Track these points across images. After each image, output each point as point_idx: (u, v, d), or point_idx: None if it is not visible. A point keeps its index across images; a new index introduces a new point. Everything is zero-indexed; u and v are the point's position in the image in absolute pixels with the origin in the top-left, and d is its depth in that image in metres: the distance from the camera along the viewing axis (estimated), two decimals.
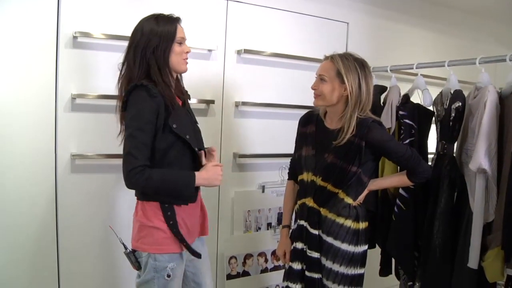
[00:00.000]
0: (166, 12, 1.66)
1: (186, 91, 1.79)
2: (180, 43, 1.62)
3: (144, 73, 1.57)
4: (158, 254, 1.57)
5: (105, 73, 2.10)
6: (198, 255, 1.66)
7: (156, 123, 1.53)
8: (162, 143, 1.55)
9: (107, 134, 2.09)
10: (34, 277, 1.99)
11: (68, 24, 1.99)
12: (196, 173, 1.59)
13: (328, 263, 1.79)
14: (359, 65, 1.76)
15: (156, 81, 1.55)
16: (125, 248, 1.64)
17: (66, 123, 2.03)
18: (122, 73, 1.63)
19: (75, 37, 2.00)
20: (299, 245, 1.85)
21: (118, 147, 2.04)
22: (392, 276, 2.45)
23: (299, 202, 1.88)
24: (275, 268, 2.62)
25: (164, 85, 1.57)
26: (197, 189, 1.68)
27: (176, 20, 1.63)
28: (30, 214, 1.97)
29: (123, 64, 1.63)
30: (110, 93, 2.08)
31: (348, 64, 1.74)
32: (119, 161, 2.11)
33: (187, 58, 1.67)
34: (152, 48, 1.56)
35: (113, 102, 2.06)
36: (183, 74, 1.76)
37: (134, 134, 1.50)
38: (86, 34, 2.01)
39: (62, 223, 2.05)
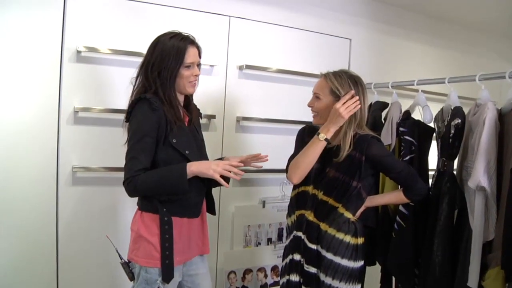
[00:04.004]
0: (170, 27, 1.68)
1: (198, 109, 1.82)
2: (189, 67, 1.63)
3: (154, 90, 1.60)
4: (149, 267, 1.58)
5: (108, 87, 2.14)
6: (168, 279, 1.58)
7: (157, 135, 1.56)
8: (162, 155, 1.59)
9: (109, 147, 2.13)
10: (34, 285, 2.01)
11: (72, 38, 2.04)
12: (189, 164, 1.58)
13: (327, 279, 1.77)
14: (353, 82, 1.78)
15: (161, 99, 1.59)
16: (121, 258, 1.66)
17: (68, 135, 2.06)
18: (135, 88, 1.66)
19: (79, 52, 2.05)
20: (297, 256, 1.84)
21: (119, 161, 2.07)
22: None
23: (297, 213, 1.87)
24: (275, 284, 2.60)
25: (168, 104, 1.60)
26: (201, 203, 1.71)
27: (189, 42, 1.63)
28: (31, 225, 1.99)
29: (136, 78, 1.66)
30: (112, 107, 2.13)
31: (341, 82, 1.76)
32: (120, 174, 2.14)
33: (195, 81, 1.68)
34: (159, 69, 1.59)
35: (115, 116, 2.12)
36: None
37: (132, 147, 1.56)
38: (90, 49, 2.05)
39: (63, 234, 2.07)
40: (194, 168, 1.57)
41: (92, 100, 2.10)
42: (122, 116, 2.04)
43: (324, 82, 1.80)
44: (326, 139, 1.74)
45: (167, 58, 1.58)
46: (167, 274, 1.57)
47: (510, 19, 3.18)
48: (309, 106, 1.85)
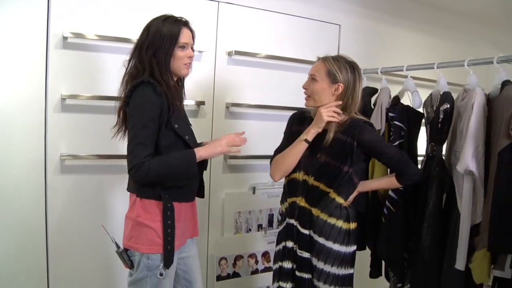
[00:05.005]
0: (158, 13, 1.67)
1: (184, 94, 1.81)
2: (183, 47, 1.63)
3: (149, 72, 1.58)
4: (152, 253, 1.58)
5: (96, 73, 2.11)
6: (169, 264, 1.61)
7: (159, 120, 1.55)
8: (165, 141, 1.58)
9: (97, 135, 2.10)
10: (23, 277, 1.99)
11: (58, 24, 1.99)
12: (197, 149, 1.61)
13: (319, 264, 1.79)
14: (350, 67, 1.81)
15: (159, 80, 1.57)
16: (118, 247, 1.65)
17: (56, 123, 2.03)
18: (128, 70, 1.65)
19: (65, 38, 2.00)
20: (290, 243, 1.86)
21: (108, 148, 2.07)
22: (382, 277, 2.45)
23: (289, 200, 1.89)
24: (266, 270, 2.61)
25: (166, 86, 1.59)
26: (197, 187, 1.73)
27: (183, 24, 1.64)
28: (19, 215, 1.97)
29: (129, 61, 1.65)
30: (100, 93, 2.10)
31: (339, 65, 1.79)
32: (110, 162, 2.16)
33: (190, 63, 1.67)
34: (153, 50, 1.58)
35: (103, 103, 2.10)
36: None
37: (137, 133, 1.53)
38: (76, 35, 2.01)
39: (52, 224, 2.05)
40: (202, 153, 1.61)
41: (80, 87, 2.07)
42: (110, 103, 2.04)
43: (322, 64, 1.81)
44: (306, 140, 1.79)
45: (161, 39, 1.58)
46: (168, 259, 1.59)
47: (500, 7, 3.20)
48: (303, 88, 1.86)
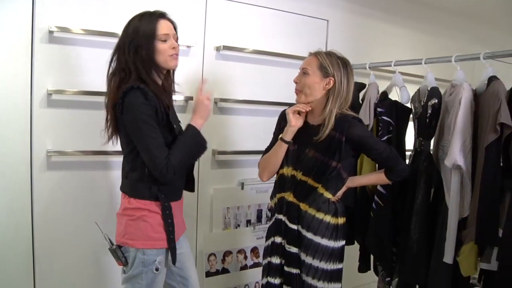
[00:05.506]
0: (144, 7, 1.64)
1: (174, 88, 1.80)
2: (165, 40, 1.59)
3: (136, 74, 1.56)
4: (147, 248, 1.58)
5: (82, 68, 2.07)
6: (175, 261, 1.65)
7: (157, 120, 1.55)
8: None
9: (84, 131, 2.08)
10: (8, 276, 1.95)
11: (44, 18, 1.95)
12: (191, 122, 1.66)
13: (308, 259, 1.80)
14: (342, 63, 1.81)
15: (146, 81, 1.55)
16: (112, 244, 1.63)
17: (42, 119, 1.99)
18: (111, 71, 1.62)
19: (51, 32, 1.97)
20: (278, 239, 1.87)
21: (95, 144, 2.04)
22: (371, 272, 2.47)
23: (277, 196, 1.89)
24: (255, 265, 2.62)
25: (155, 85, 1.58)
26: (183, 185, 1.76)
27: (158, 16, 1.60)
28: (4, 213, 1.93)
29: (110, 62, 1.62)
30: (87, 88, 2.06)
31: (331, 60, 1.79)
32: (97, 158, 2.13)
33: (175, 54, 1.64)
34: (135, 49, 1.55)
35: (90, 98, 2.07)
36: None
37: (147, 139, 1.52)
38: (62, 29, 1.97)
39: (38, 221, 2.01)
40: (199, 122, 1.67)
41: (66, 82, 2.03)
42: (97, 98, 2.03)
43: (314, 58, 1.81)
44: (283, 140, 1.83)
45: (140, 36, 1.55)
46: (174, 256, 1.62)
47: (487, 4, 3.24)
48: (295, 81, 1.85)
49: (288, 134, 1.83)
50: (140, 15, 1.60)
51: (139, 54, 1.55)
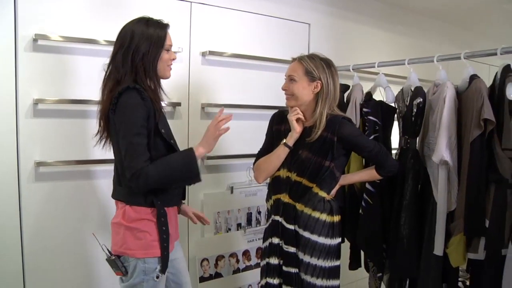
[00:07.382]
0: (130, 14, 1.65)
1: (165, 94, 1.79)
2: (168, 50, 1.63)
3: (132, 76, 1.55)
4: (148, 257, 1.56)
5: (69, 77, 2.04)
6: (165, 270, 1.61)
7: (147, 126, 1.53)
8: (154, 152, 1.55)
9: (72, 140, 2.05)
10: None
11: (27, 26, 1.91)
12: (194, 146, 1.62)
13: (305, 258, 1.83)
14: (326, 64, 1.85)
15: (143, 85, 1.55)
16: (111, 254, 1.61)
17: (28, 129, 1.95)
18: (107, 74, 1.60)
19: (35, 40, 1.93)
20: (275, 240, 1.89)
21: (83, 153, 2.01)
22: (362, 269, 2.52)
23: (273, 198, 1.92)
24: (247, 268, 2.63)
25: (151, 90, 1.57)
26: (179, 193, 1.74)
27: (166, 26, 1.63)
28: None
29: (109, 65, 1.60)
30: (74, 97, 2.04)
31: (315, 63, 1.83)
32: (86, 167, 2.10)
33: (171, 65, 1.67)
34: (142, 54, 1.55)
35: (77, 107, 2.04)
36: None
37: (133, 141, 1.49)
38: (45, 37, 1.94)
39: (27, 234, 1.96)
40: (200, 150, 1.61)
41: (52, 91, 1.99)
42: (84, 107, 2.01)
43: (299, 64, 1.84)
44: (286, 145, 1.86)
45: (149, 43, 1.55)
46: (165, 264, 1.59)
47: (457, 6, 3.37)
48: (283, 89, 1.89)
49: (292, 139, 1.85)
50: (145, 21, 1.59)
51: (144, 59, 1.55)
